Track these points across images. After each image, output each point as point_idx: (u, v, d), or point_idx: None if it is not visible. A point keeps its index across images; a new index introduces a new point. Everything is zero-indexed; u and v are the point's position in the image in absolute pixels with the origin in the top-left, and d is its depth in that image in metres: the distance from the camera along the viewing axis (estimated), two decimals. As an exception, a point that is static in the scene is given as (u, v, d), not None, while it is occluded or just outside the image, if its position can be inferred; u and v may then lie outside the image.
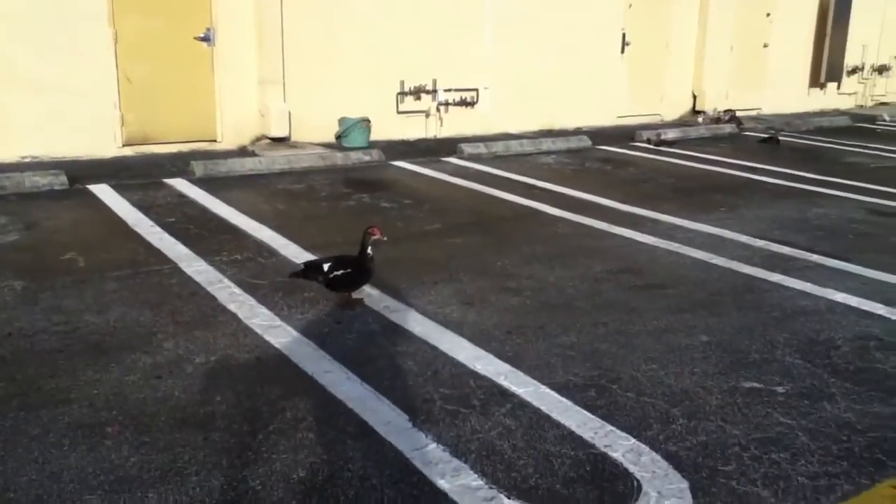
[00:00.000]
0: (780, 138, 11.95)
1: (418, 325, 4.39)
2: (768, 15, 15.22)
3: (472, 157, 9.74)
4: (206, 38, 9.32)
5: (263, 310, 4.55)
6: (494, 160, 9.76)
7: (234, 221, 6.45)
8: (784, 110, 15.61)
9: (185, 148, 9.25)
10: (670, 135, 11.72)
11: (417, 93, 10.99)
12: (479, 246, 6.01)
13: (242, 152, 9.26)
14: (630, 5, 13.06)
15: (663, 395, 3.64)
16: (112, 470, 2.93)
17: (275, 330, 4.27)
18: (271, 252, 5.67)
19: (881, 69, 17.48)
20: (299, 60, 9.79)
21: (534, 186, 8.23)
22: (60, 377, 3.65)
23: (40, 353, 3.92)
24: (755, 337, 4.33)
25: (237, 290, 4.87)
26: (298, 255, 5.60)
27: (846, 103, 17.07)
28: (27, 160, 8.33)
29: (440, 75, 11.09)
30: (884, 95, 17.79)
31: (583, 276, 5.32)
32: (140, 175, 7.97)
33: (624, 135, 11.90)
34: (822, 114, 15.87)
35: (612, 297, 4.94)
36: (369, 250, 4.55)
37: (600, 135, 11.67)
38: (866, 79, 17.39)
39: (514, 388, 3.66)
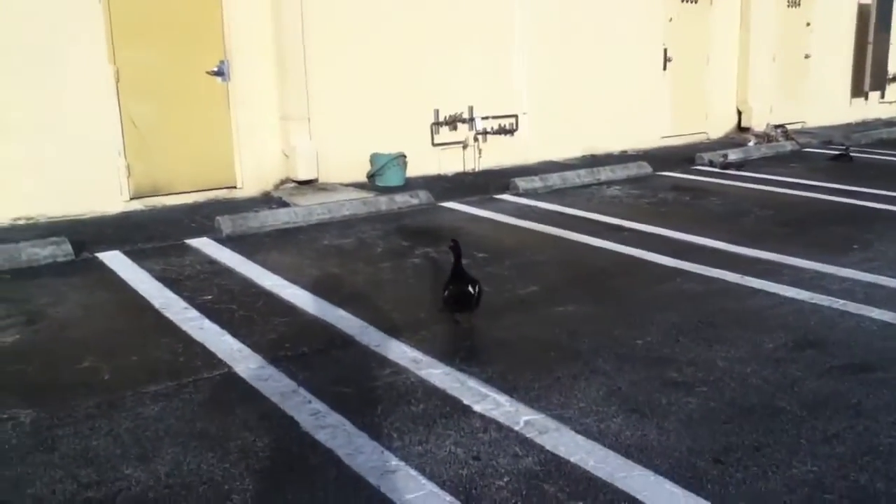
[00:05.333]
0: (852, 154, 10.86)
1: (588, 455, 3.16)
2: (808, 24, 14.25)
3: (528, 193, 8.55)
4: (219, 73, 8.12)
5: (365, 439, 3.32)
6: (554, 195, 8.57)
7: (285, 296, 5.20)
8: (828, 122, 14.60)
9: (201, 198, 8.01)
10: (734, 156, 10.58)
11: (453, 122, 9.82)
12: (599, 316, 4.80)
13: (267, 199, 8.04)
14: (671, 19, 11.99)
15: None
16: None
17: (394, 477, 3.03)
18: (346, 341, 4.43)
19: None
20: (324, 93, 8.59)
21: (619, 227, 7.04)
22: None
23: (69, 543, 2.67)
24: None
25: (320, 404, 3.63)
26: (379, 342, 4.38)
27: (888, 112, 16.07)
28: (20, 223, 7.06)
29: (476, 102, 9.96)
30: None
31: (756, 357, 4.12)
32: (156, 236, 6.70)
33: (677, 157, 10.78)
34: (867, 124, 14.87)
35: (815, 388, 3.74)
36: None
37: (652, 158, 10.52)
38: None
39: (790, 576, 2.44)
